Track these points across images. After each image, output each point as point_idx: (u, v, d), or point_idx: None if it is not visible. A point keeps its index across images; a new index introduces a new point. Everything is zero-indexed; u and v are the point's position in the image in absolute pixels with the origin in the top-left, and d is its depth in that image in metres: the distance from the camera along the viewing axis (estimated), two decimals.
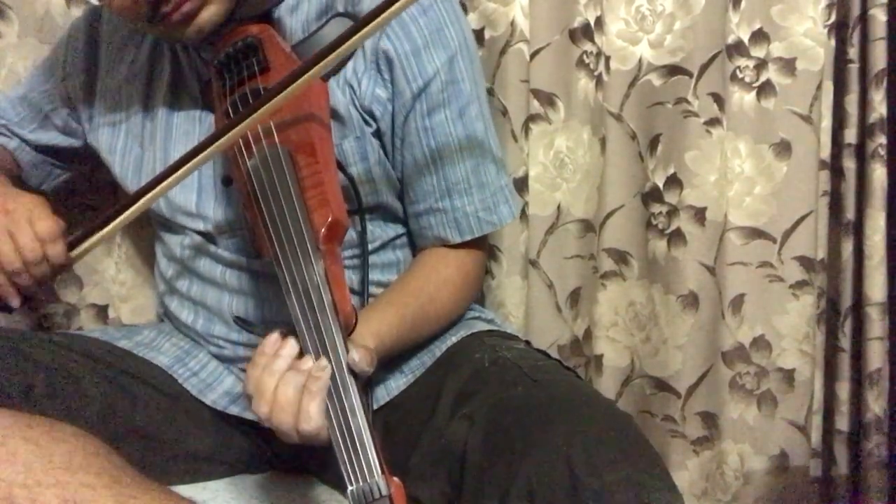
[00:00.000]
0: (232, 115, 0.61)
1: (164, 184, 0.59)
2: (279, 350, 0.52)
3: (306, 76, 0.55)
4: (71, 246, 0.63)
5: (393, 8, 0.53)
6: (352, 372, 0.51)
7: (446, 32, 0.67)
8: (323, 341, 0.51)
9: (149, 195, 0.59)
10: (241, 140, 0.59)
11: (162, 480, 0.54)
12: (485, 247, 0.75)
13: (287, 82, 0.55)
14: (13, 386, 0.59)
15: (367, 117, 0.67)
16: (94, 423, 0.61)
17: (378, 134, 0.68)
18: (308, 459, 0.73)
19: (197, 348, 0.74)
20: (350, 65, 0.65)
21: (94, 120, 0.76)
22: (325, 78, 0.63)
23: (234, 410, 0.71)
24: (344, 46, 0.54)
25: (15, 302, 0.63)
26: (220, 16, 0.62)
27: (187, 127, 0.71)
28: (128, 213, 0.60)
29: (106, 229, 0.61)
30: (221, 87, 0.63)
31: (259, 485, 0.71)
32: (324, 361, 0.51)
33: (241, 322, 0.65)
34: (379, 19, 0.53)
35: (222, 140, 0.57)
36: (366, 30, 0.54)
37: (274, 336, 0.53)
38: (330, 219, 0.55)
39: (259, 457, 0.73)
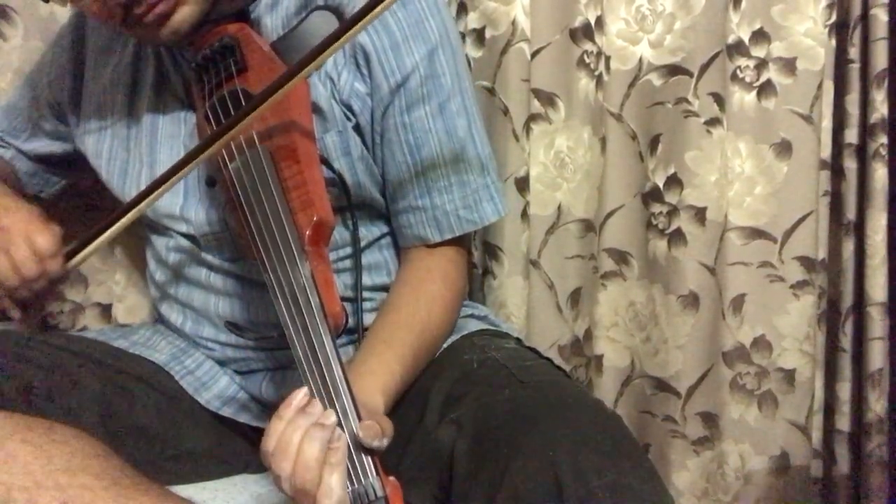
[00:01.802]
0: (212, 118, 0.60)
1: (155, 193, 0.59)
2: (306, 408, 0.49)
3: (291, 82, 0.54)
4: (67, 257, 0.63)
5: (376, 10, 0.51)
6: (343, 375, 0.50)
7: (426, 25, 0.65)
8: (312, 344, 0.51)
9: (141, 205, 0.59)
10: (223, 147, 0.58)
11: (161, 480, 0.54)
12: (467, 245, 0.74)
13: (271, 90, 0.54)
14: (12, 388, 0.59)
15: (347, 112, 0.66)
16: (92, 424, 0.61)
17: (358, 129, 0.67)
18: None
19: (193, 347, 0.74)
20: (330, 58, 0.64)
21: (80, 125, 0.75)
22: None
23: (227, 412, 0.71)
24: (329, 50, 0.53)
25: (15, 314, 0.65)
26: (195, 16, 0.61)
27: (172, 129, 0.70)
28: (120, 222, 0.60)
29: (99, 239, 0.61)
30: (200, 90, 0.63)
31: (258, 484, 0.71)
32: (339, 432, 0.48)
33: (233, 327, 0.65)
34: (361, 24, 0.52)
35: (208, 151, 0.56)
36: (350, 33, 0.53)
37: (302, 391, 0.50)
38: (315, 219, 0.54)
39: (258, 456, 0.73)
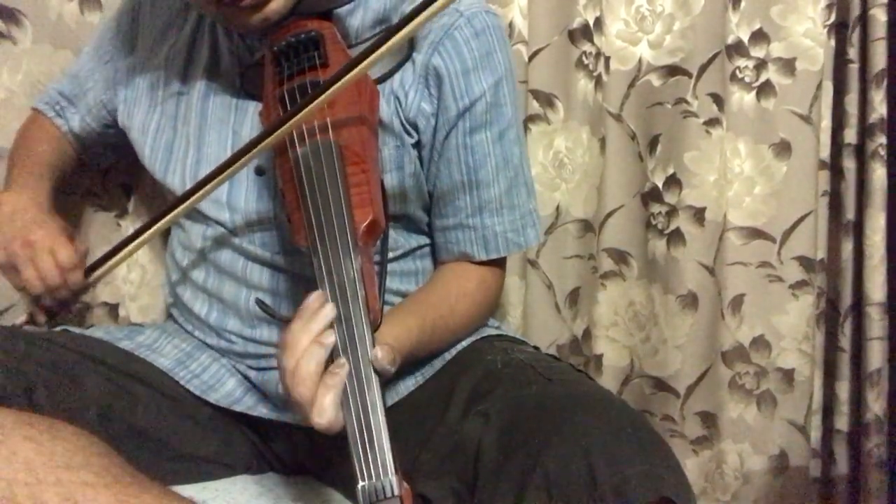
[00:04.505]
0: (288, 102, 0.61)
1: (207, 187, 0.61)
2: (319, 310, 0.53)
3: (358, 69, 0.56)
4: (90, 271, 0.70)
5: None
6: (376, 369, 0.52)
7: (495, 57, 0.69)
8: (352, 334, 0.52)
9: (187, 202, 0.62)
10: (294, 129, 0.60)
11: (162, 481, 0.54)
12: (504, 266, 0.77)
13: (339, 76, 0.56)
14: (14, 385, 0.59)
15: (410, 129, 0.68)
16: (94, 424, 0.61)
17: (418, 145, 0.69)
18: (308, 460, 0.73)
19: (198, 350, 0.74)
20: (398, 77, 0.67)
21: (129, 100, 0.77)
22: (377, 81, 0.65)
23: (238, 408, 0.71)
24: (392, 41, 0.55)
25: (41, 319, 0.73)
26: (287, 8, 0.63)
27: (222, 114, 0.71)
28: (152, 230, 0.65)
29: (123, 252, 0.67)
30: (278, 73, 0.64)
31: (259, 485, 0.71)
32: (342, 359, 0.51)
33: (263, 305, 0.66)
34: (423, 16, 0.54)
35: (276, 134, 0.58)
36: (411, 25, 0.54)
37: (318, 292, 0.53)
38: (371, 217, 0.56)
39: (259, 458, 0.73)
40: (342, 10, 0.68)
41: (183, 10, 0.75)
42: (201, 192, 0.63)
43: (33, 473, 0.45)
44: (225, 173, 0.61)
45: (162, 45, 0.75)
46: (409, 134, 0.68)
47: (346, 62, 0.61)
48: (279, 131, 0.58)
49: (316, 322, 0.52)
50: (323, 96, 0.57)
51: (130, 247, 0.67)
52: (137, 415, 0.66)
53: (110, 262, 0.69)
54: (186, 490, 0.65)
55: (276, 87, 0.63)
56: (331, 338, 0.52)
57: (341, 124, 0.59)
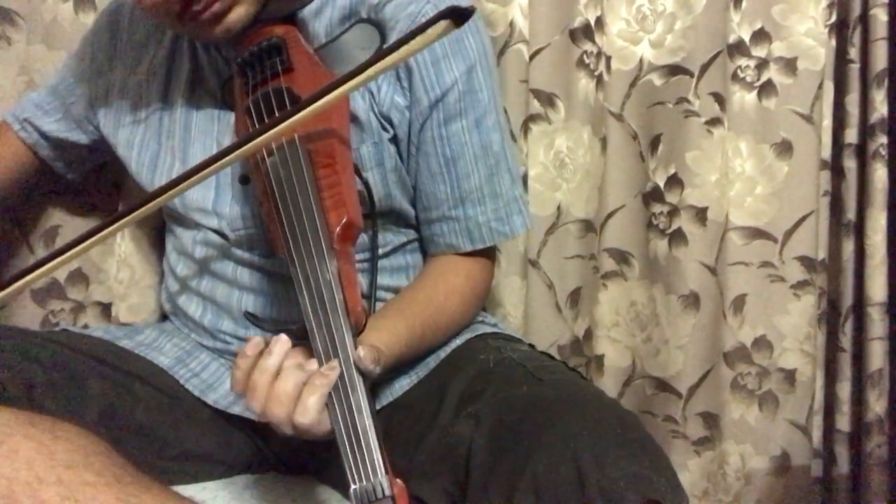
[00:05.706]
0: (253, 113, 0.61)
1: (184, 184, 0.58)
2: (270, 348, 0.53)
3: (336, 93, 0.55)
4: None
5: (429, 32, 0.51)
6: (360, 370, 0.52)
7: (466, 43, 0.67)
8: (332, 339, 0.52)
9: (161, 198, 0.59)
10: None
11: (162, 481, 0.54)
12: (494, 256, 0.76)
13: (315, 98, 0.55)
14: (15, 384, 0.59)
15: (385, 123, 0.68)
16: (94, 422, 0.61)
17: (395, 140, 0.68)
18: (308, 460, 0.73)
19: (198, 349, 0.74)
20: None
21: (111, 116, 0.76)
22: None
23: (235, 410, 0.71)
24: (377, 66, 0.54)
25: None
26: (249, 17, 0.63)
27: (206, 125, 0.71)
28: (63, 256, 0.57)
29: (34, 273, 0.58)
30: (244, 84, 0.64)
31: (259, 485, 0.71)
32: (335, 362, 0.51)
33: (252, 318, 0.66)
34: (415, 42, 0.52)
35: (242, 150, 0.57)
36: (399, 53, 0.53)
37: (256, 339, 0.53)
38: (345, 219, 0.56)
39: (259, 457, 0.73)
40: (308, 12, 0.68)
41: (161, 24, 0.74)
42: (132, 216, 0.58)
43: (34, 472, 0.45)
44: (173, 191, 0.57)
45: (142, 60, 0.75)
46: (385, 129, 0.67)
47: (311, 65, 0.61)
48: (233, 155, 0.56)
49: (271, 358, 0.52)
50: (297, 116, 0.55)
51: (44, 268, 0.57)
52: (138, 414, 0.66)
53: (14, 286, 0.58)
54: (186, 490, 0.65)
55: (244, 99, 0.63)
56: (313, 365, 0.51)
57: (309, 129, 0.59)
